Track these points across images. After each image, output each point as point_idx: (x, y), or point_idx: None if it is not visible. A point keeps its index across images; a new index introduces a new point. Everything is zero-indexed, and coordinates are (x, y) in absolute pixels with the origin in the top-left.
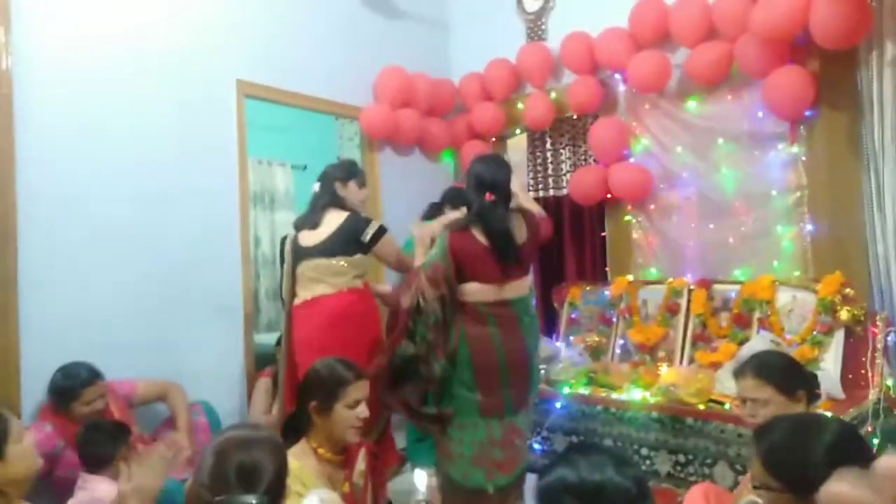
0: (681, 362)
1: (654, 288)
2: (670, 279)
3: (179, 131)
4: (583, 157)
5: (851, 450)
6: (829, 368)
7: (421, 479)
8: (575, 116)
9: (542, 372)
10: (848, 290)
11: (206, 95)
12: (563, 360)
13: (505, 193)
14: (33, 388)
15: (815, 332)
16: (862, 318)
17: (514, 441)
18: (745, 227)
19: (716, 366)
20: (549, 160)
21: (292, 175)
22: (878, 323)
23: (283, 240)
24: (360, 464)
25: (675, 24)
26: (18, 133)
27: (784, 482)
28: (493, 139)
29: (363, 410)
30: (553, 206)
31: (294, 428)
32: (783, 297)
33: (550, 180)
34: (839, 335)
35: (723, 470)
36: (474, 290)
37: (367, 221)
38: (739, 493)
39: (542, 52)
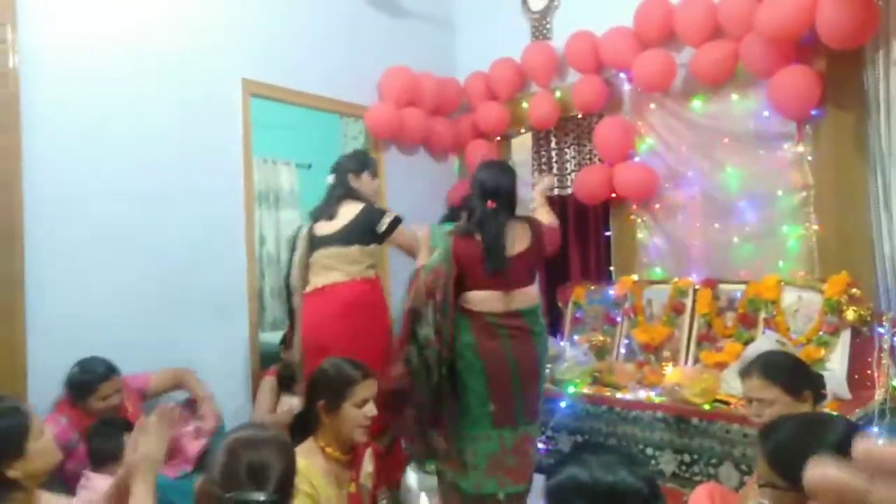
0: (686, 362)
1: (659, 287)
2: (675, 279)
3: (184, 130)
4: (587, 157)
5: None
6: (835, 369)
7: (414, 481)
8: (580, 115)
9: (547, 371)
10: (854, 290)
11: (211, 94)
12: (567, 359)
13: (508, 201)
14: (39, 387)
15: (821, 333)
16: (868, 319)
17: (527, 449)
18: (751, 227)
19: (721, 366)
20: (554, 159)
21: (297, 174)
22: (884, 323)
23: (298, 229)
24: (368, 465)
25: (681, 23)
26: (25, 131)
27: (789, 480)
28: (498, 138)
29: (371, 409)
30: (558, 205)
31: (302, 427)
32: (789, 297)
33: (555, 179)
34: (845, 335)
35: (728, 470)
36: (481, 300)
37: (382, 212)
38: (745, 493)
39: (547, 52)
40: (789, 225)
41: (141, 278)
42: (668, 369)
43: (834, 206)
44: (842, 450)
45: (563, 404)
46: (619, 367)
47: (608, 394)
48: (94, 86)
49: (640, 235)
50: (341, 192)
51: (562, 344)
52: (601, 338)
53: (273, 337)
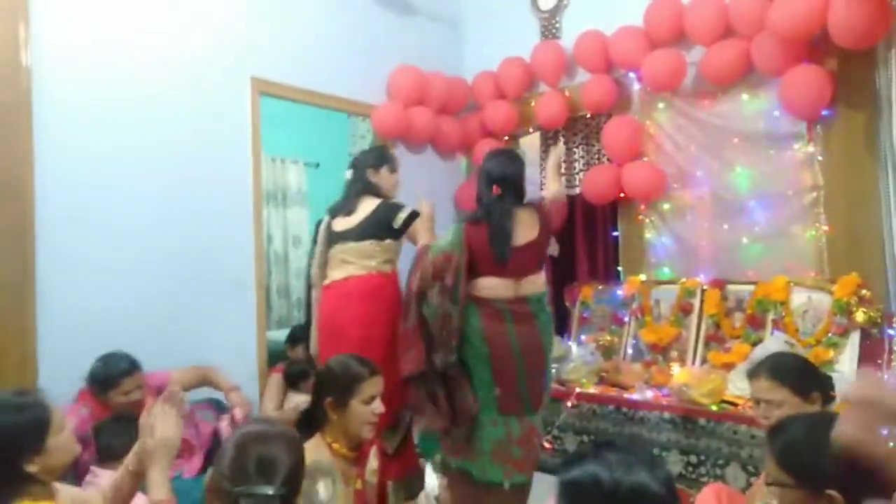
0: (693, 363)
1: (667, 288)
2: (683, 279)
3: (194, 128)
4: (596, 156)
5: None
6: (844, 370)
7: (430, 474)
8: (588, 115)
9: (554, 371)
10: (864, 291)
11: (221, 92)
12: (574, 359)
13: (515, 188)
14: (48, 383)
15: (830, 334)
16: (878, 320)
17: (532, 440)
18: (760, 228)
19: (729, 366)
20: (563, 159)
21: (305, 172)
22: (894, 325)
23: (318, 223)
24: (373, 461)
25: (691, 22)
26: (36, 128)
27: (798, 478)
28: (507, 138)
29: (378, 406)
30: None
31: (308, 423)
32: (798, 298)
33: (563, 179)
34: (855, 337)
35: (735, 471)
36: (491, 286)
37: (399, 208)
38: (752, 494)
39: (556, 51)
40: (799, 225)
41: (149, 276)
42: (676, 370)
43: (844, 207)
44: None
45: (569, 404)
46: (626, 368)
47: (615, 394)
48: (104, 83)
49: (648, 235)
50: (360, 187)
51: (569, 343)
52: (608, 338)
53: (280, 335)
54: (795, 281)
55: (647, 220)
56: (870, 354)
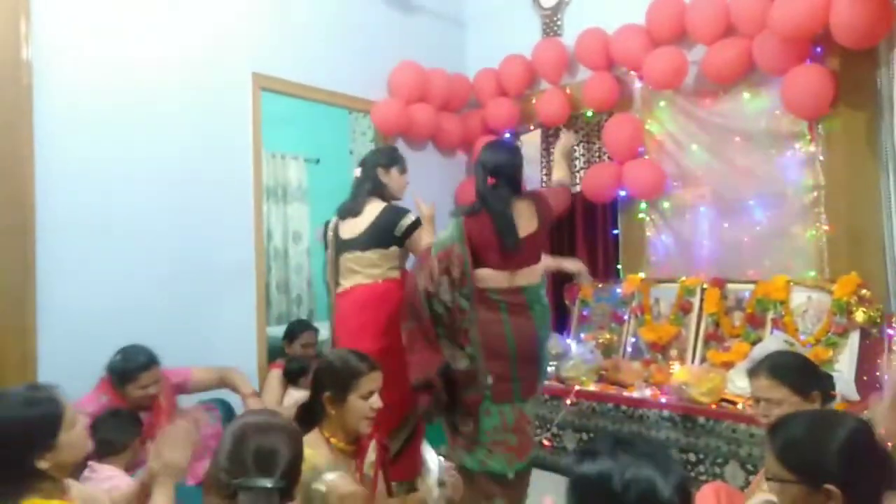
0: (693, 361)
1: (667, 286)
2: (683, 278)
3: (195, 123)
4: (597, 154)
5: (866, 445)
6: (843, 370)
7: (433, 458)
8: (589, 113)
9: (553, 368)
10: (864, 291)
11: (222, 88)
12: (573, 357)
13: (509, 177)
14: (48, 376)
15: (829, 333)
16: (878, 320)
17: (525, 427)
18: (760, 227)
19: (728, 365)
20: (574, 144)
21: (305, 168)
22: (894, 324)
23: (326, 224)
24: (371, 454)
25: (692, 20)
26: (37, 122)
27: (798, 474)
28: (507, 135)
29: (376, 401)
30: None
31: (307, 418)
32: (798, 298)
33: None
34: (854, 336)
35: (734, 469)
36: (487, 277)
37: (402, 214)
38: (751, 491)
39: (558, 48)
40: (799, 225)
41: (149, 273)
42: (675, 368)
43: (845, 207)
44: (850, 445)
45: (568, 402)
46: (625, 366)
47: (614, 392)
48: (105, 79)
49: (648, 234)
50: (369, 186)
51: (568, 341)
52: (608, 336)
53: (279, 331)
54: (795, 280)
55: (648, 219)
56: (869, 354)
